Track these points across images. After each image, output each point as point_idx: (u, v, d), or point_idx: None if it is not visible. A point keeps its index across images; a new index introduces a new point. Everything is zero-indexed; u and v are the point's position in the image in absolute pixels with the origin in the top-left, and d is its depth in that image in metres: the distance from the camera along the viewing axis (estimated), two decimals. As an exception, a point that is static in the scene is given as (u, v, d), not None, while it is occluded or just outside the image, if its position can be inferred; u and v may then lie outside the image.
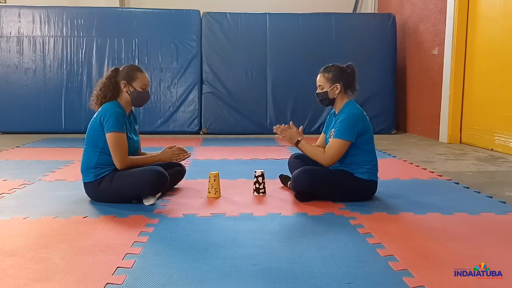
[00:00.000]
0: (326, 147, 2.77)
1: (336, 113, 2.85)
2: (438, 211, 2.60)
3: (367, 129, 2.76)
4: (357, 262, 1.85)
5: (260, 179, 2.94)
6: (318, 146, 2.97)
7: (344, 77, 2.79)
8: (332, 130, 2.79)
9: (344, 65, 2.83)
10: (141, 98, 2.81)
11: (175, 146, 2.90)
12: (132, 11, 7.02)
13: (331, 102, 2.84)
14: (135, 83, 2.76)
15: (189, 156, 2.97)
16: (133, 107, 2.87)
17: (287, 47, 6.76)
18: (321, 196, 2.78)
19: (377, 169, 2.82)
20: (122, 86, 2.75)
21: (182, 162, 3.07)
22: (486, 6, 5.17)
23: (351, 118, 2.70)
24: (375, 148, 2.87)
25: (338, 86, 2.77)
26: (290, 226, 2.33)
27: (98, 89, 2.77)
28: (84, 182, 2.75)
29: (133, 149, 2.83)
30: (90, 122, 2.75)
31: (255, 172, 2.96)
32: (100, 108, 2.74)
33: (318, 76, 2.85)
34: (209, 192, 2.89)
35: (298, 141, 2.80)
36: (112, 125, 2.63)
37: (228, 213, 2.55)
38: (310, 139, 3.11)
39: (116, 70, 2.81)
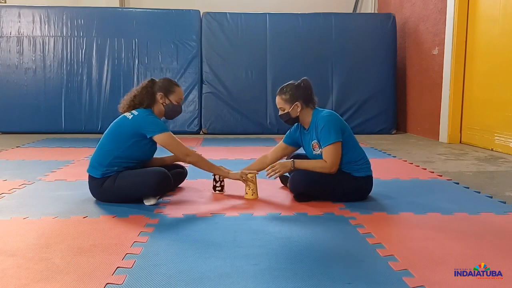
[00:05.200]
0: (323, 157, 2.73)
1: (307, 128, 2.84)
2: (438, 211, 2.60)
3: (345, 126, 2.79)
4: (357, 262, 1.85)
5: (216, 177, 2.95)
6: (267, 156, 3.00)
7: (301, 94, 2.79)
8: (314, 142, 2.78)
9: (298, 81, 2.83)
10: (175, 111, 2.87)
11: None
12: (132, 11, 7.01)
13: (296, 120, 2.86)
14: (172, 96, 2.83)
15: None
16: (164, 118, 2.89)
17: (287, 47, 6.75)
18: (320, 196, 2.78)
19: (369, 163, 2.84)
20: (159, 97, 2.80)
21: (182, 163, 3.07)
22: (486, 6, 5.17)
23: (328, 122, 2.71)
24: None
25: (298, 104, 2.78)
26: (290, 226, 2.33)
27: (132, 95, 2.80)
28: (89, 175, 2.74)
29: (149, 155, 2.85)
30: (120, 123, 2.73)
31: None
32: (134, 113, 2.73)
33: (277, 98, 2.85)
34: (246, 193, 2.88)
35: (293, 163, 2.79)
36: (159, 128, 2.68)
37: (228, 213, 2.55)
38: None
39: (152, 82, 2.86)
